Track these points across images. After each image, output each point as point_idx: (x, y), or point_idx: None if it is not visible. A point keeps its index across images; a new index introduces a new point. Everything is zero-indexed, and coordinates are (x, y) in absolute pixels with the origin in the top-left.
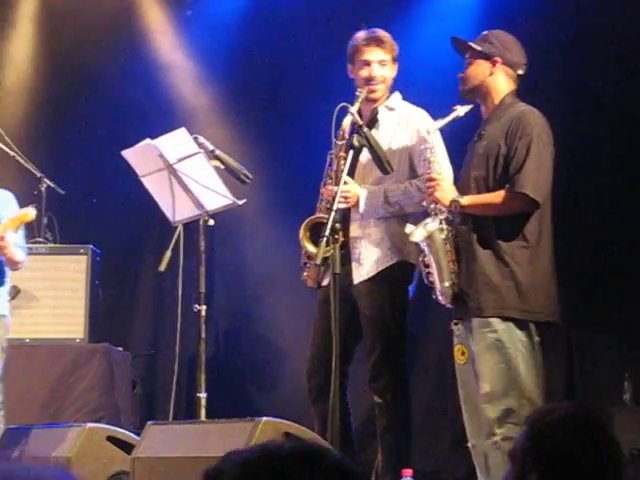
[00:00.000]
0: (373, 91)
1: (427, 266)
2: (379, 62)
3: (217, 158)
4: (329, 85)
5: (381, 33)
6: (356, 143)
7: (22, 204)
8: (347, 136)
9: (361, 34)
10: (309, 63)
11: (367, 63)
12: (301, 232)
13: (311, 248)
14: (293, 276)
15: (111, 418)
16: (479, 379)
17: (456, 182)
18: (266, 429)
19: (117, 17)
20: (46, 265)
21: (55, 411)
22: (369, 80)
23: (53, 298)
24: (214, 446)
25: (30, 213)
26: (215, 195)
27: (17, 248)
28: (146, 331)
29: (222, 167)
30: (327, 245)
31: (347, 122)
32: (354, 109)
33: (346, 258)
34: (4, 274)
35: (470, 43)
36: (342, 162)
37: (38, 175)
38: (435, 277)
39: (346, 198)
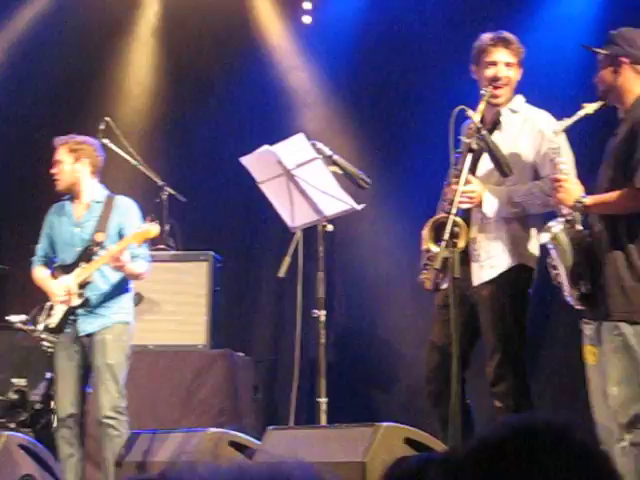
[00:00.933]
0: (497, 95)
1: (554, 268)
2: (505, 64)
3: (335, 163)
4: (448, 88)
5: (508, 35)
6: (475, 146)
7: (144, 212)
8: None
9: (488, 35)
10: (428, 66)
11: (493, 63)
12: (425, 232)
13: (435, 249)
14: (411, 280)
15: (233, 423)
16: (607, 382)
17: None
18: (387, 434)
19: (235, 25)
20: (168, 272)
21: (178, 416)
22: (494, 80)
23: (175, 304)
24: (335, 451)
25: (154, 230)
26: (333, 200)
27: (139, 260)
28: (266, 336)
29: (340, 172)
30: (446, 248)
31: (476, 118)
32: (478, 109)
33: (465, 259)
34: (127, 282)
35: (594, 49)
36: (466, 159)
37: (160, 183)
38: (563, 278)
39: (470, 198)
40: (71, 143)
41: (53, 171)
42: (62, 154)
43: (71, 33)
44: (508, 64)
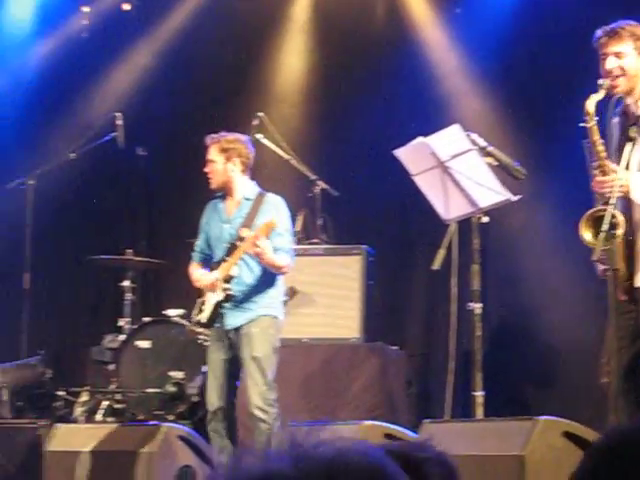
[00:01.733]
0: (614, 86)
1: None
2: (614, 54)
3: (490, 155)
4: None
5: (619, 25)
6: (632, 134)
7: (297, 207)
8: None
9: (601, 28)
10: (582, 53)
11: (604, 56)
12: (582, 226)
13: (590, 240)
14: (568, 273)
15: (386, 416)
16: None
17: None
18: (545, 428)
19: (385, 17)
20: (321, 266)
21: (332, 409)
22: (607, 73)
23: (329, 298)
24: (492, 445)
25: (273, 221)
26: (489, 192)
27: (281, 253)
28: (420, 330)
29: (495, 164)
30: (606, 240)
31: (591, 105)
32: (597, 97)
33: (631, 252)
34: (274, 276)
35: None
36: (600, 147)
37: (312, 177)
38: None
39: (621, 186)
40: (222, 142)
41: (206, 170)
42: (214, 153)
43: (223, 30)
44: (618, 54)
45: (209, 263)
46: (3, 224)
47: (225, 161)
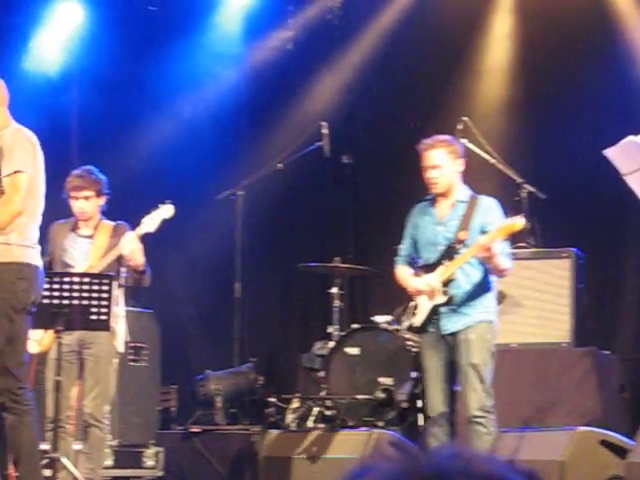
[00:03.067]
0: None
1: None
2: None
3: None
4: None
5: None
6: None
7: (504, 210)
8: None
9: None
10: None
11: None
12: None
13: None
14: None
15: (600, 422)
16: None
17: None
18: None
19: (591, 18)
20: (530, 270)
21: (544, 415)
22: None
23: (538, 302)
24: None
25: (519, 222)
26: None
27: (503, 256)
28: (632, 333)
29: None
30: None
31: None
32: None
33: None
34: (490, 281)
35: None
36: None
37: (519, 181)
38: None
39: None
40: (449, 145)
41: (432, 175)
42: (440, 157)
43: (426, 35)
44: None
45: (413, 266)
46: (214, 234)
47: (451, 164)
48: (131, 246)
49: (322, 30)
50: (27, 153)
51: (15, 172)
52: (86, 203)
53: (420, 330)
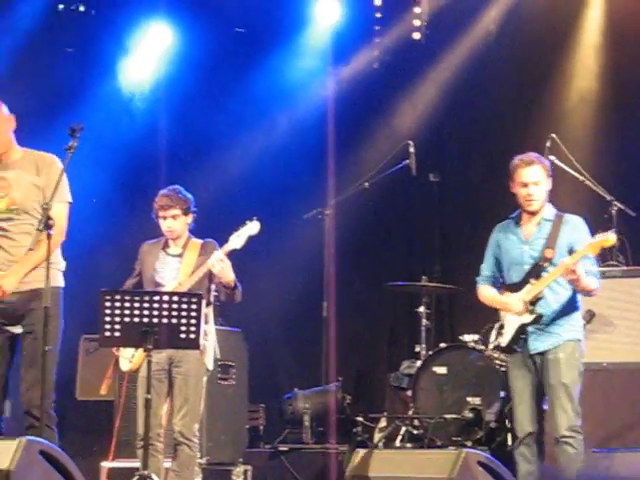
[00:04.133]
0: None
1: None
2: None
3: None
4: None
5: None
6: None
7: (592, 228)
8: None
9: None
10: None
11: None
12: None
13: None
14: None
15: None
16: None
17: None
18: None
19: None
20: (620, 288)
21: (636, 435)
22: None
23: (628, 321)
24: None
25: (610, 238)
26: None
27: (589, 276)
28: None
29: None
30: None
31: None
32: None
33: None
34: (577, 299)
35: None
36: None
37: (608, 198)
38: None
39: None
40: (543, 162)
41: (532, 191)
42: (539, 174)
43: (512, 53)
44: None
45: (496, 286)
46: (302, 253)
47: (546, 181)
48: (219, 264)
49: (409, 49)
50: (67, 183)
51: (62, 202)
52: (174, 222)
53: (507, 350)
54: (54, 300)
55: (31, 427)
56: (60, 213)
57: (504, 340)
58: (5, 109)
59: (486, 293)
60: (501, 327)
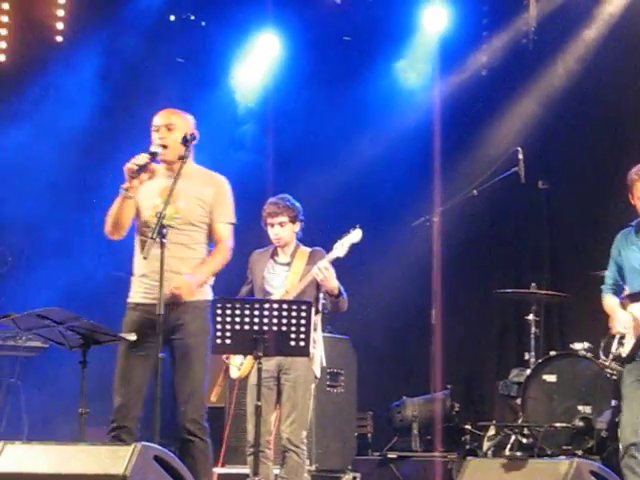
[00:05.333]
0: None
1: None
2: None
3: None
4: None
5: None
6: None
7: None
8: None
9: None
10: None
11: None
12: None
13: None
14: None
15: None
16: None
17: None
18: None
19: None
20: None
21: None
22: None
23: None
24: None
25: None
26: None
27: None
28: None
29: None
30: None
31: None
32: None
33: None
34: None
35: None
36: None
37: None
38: None
39: None
40: None
41: None
42: None
43: (625, 59)
44: None
45: (619, 295)
46: (409, 261)
47: None
48: (323, 272)
49: (517, 55)
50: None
51: (229, 222)
52: (281, 229)
53: (626, 360)
54: (205, 314)
55: (187, 441)
56: (227, 232)
57: (625, 350)
58: (193, 124)
59: (606, 303)
60: (623, 337)
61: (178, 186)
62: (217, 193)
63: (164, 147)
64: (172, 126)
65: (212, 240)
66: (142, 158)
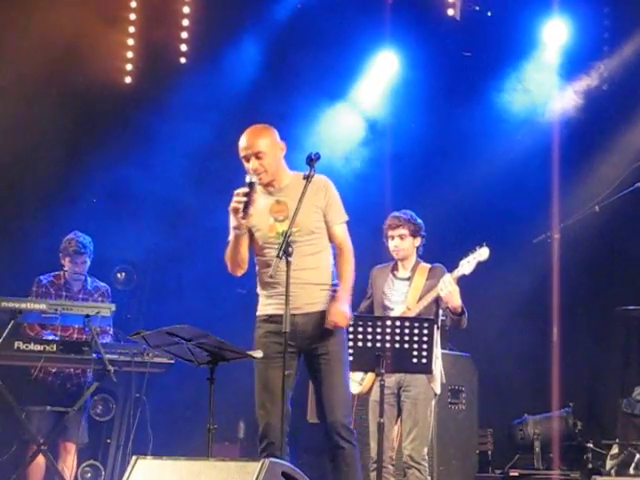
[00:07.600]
0: None
1: None
2: None
3: None
4: None
5: None
6: None
7: None
8: None
9: None
10: None
11: None
12: None
13: None
14: None
15: None
16: None
17: None
18: None
19: None
20: None
21: None
22: None
23: None
24: None
25: None
26: None
27: None
28: None
29: None
30: None
31: None
32: None
33: None
34: None
35: None
36: None
37: None
38: None
39: None
40: None
41: None
42: None
43: None
44: None
45: None
46: (530, 278)
47: None
48: (448, 288)
49: (639, 68)
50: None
51: (343, 222)
52: (401, 242)
53: None
54: None
55: (339, 448)
56: (344, 233)
57: None
58: (277, 136)
59: None
60: None
61: (285, 199)
62: (326, 195)
63: (259, 175)
64: (261, 154)
65: (331, 242)
66: (242, 194)
